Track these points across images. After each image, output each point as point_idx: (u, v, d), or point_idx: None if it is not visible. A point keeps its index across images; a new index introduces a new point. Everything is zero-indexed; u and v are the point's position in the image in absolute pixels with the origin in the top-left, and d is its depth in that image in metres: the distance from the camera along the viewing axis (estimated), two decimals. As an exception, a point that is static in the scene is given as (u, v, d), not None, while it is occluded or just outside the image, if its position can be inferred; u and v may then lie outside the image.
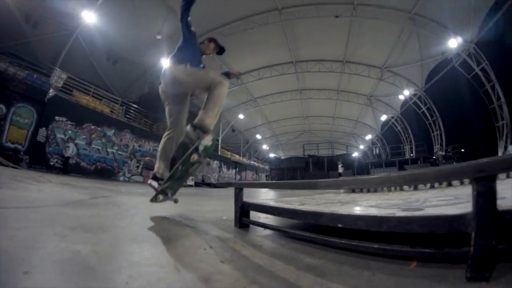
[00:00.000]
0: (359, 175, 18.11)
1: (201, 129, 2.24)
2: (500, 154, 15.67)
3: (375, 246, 1.04)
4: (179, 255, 1.23)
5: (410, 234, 1.00)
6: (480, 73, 15.87)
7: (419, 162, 19.50)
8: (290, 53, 19.84)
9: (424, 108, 21.69)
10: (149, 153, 15.70)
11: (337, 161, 23.08)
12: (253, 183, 10.61)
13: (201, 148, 2.22)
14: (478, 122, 20.31)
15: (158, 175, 2.40)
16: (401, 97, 22.62)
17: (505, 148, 15.70)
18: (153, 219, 2.11)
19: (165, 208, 2.52)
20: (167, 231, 1.71)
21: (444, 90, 19.88)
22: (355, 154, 27.30)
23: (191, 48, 2.53)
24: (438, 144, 21.12)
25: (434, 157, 20.24)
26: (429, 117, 21.67)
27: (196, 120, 2.29)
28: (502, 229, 0.76)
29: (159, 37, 15.16)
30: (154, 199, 2.30)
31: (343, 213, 1.30)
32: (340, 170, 21.12)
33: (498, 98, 15.71)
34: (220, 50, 2.83)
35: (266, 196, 6.28)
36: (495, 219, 0.76)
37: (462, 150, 27.88)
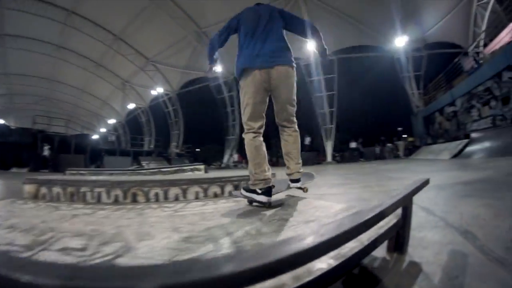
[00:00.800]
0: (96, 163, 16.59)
1: None
2: (225, 159, 22.11)
3: None
4: None
5: None
6: (227, 98, 21.34)
7: (153, 155, 20.85)
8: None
9: (171, 108, 24.25)
10: None
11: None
12: None
13: None
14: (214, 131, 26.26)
15: None
16: (154, 92, 23.82)
17: (230, 155, 21.93)
18: None
19: None
20: None
21: (194, 100, 23.86)
22: (96, 137, 24.22)
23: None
24: (175, 142, 24.22)
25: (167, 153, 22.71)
26: (173, 117, 24.43)
27: None
28: None
29: None
30: None
31: None
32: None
33: (234, 120, 21.62)
34: None
35: None
36: None
37: (198, 149, 34.90)
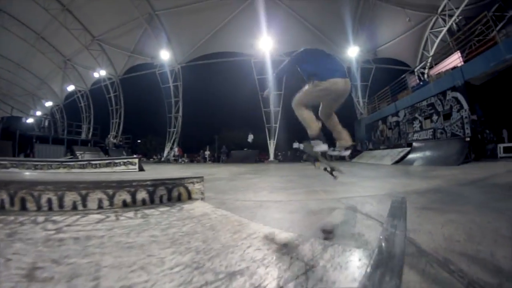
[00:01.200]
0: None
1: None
2: (165, 152, 20.88)
3: None
4: None
5: None
6: (172, 87, 20.17)
7: (89, 144, 18.92)
8: None
9: (112, 94, 22.20)
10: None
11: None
12: None
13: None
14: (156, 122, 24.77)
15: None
16: (96, 75, 21.57)
17: (171, 148, 20.89)
18: None
19: None
20: None
21: (137, 87, 22.11)
22: (30, 121, 21.08)
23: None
24: (114, 131, 22.19)
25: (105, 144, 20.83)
26: (114, 104, 22.38)
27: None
28: None
29: None
30: None
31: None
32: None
33: (177, 111, 20.61)
34: None
35: None
36: None
37: (139, 140, 32.49)
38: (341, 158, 4.04)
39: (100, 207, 1.79)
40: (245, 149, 20.94)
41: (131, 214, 1.68)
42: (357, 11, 15.84)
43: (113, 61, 20.83)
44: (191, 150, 26.74)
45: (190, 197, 2.19)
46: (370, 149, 16.17)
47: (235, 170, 9.01)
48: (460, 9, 14.54)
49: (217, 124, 39.01)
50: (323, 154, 2.64)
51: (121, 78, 21.86)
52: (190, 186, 2.22)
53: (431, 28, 16.95)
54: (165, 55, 18.44)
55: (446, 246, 1.17)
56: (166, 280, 0.83)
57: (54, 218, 1.59)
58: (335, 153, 2.58)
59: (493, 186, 3.40)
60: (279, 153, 20.96)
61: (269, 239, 1.18)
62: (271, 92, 13.42)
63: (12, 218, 1.59)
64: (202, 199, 2.25)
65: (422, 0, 15.27)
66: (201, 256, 1.01)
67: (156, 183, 2.00)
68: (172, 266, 0.93)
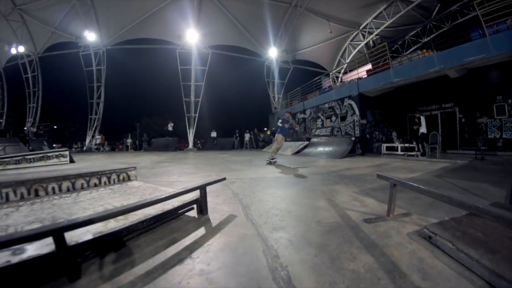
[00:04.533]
0: None
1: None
2: (87, 141, 20.69)
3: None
4: None
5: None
6: (95, 71, 20.11)
7: (8, 135, 17.88)
8: None
9: (30, 74, 20.95)
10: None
11: None
12: None
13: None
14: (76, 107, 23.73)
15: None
16: (14, 51, 19.69)
17: (92, 136, 20.86)
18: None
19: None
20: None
21: (58, 69, 20.77)
22: None
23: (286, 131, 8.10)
24: (31, 118, 21.08)
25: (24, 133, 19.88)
26: (31, 86, 21.14)
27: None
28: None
29: None
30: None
31: None
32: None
33: (99, 97, 20.63)
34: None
35: None
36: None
37: (55, 127, 30.00)
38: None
39: (82, 188, 3.44)
40: (166, 137, 22.31)
41: (102, 189, 3.44)
42: (284, 17, 18.10)
43: (34, 36, 19.75)
44: (113, 138, 27.14)
45: (129, 179, 3.97)
46: (280, 140, 19.41)
47: (155, 159, 10.91)
48: (379, 30, 18.09)
49: (138, 111, 38.54)
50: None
51: (40, 57, 20.78)
52: (129, 172, 3.99)
53: (351, 40, 20.47)
54: (91, 36, 18.33)
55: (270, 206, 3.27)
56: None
57: (64, 195, 3.26)
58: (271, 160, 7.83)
59: (336, 175, 5.18)
60: (198, 141, 22.67)
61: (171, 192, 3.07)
62: None
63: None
64: (136, 179, 4.08)
65: (347, 16, 18.15)
66: (140, 198, 2.92)
67: (111, 172, 3.73)
68: (125, 203, 2.85)
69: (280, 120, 9.08)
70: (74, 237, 1.65)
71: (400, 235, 2.05)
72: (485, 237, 1.75)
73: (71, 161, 9.75)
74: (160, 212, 2.26)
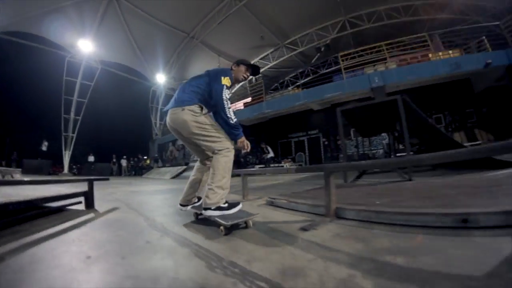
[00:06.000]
0: None
1: None
2: None
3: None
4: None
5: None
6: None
7: None
8: None
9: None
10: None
11: None
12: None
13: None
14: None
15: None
16: None
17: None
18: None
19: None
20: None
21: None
22: None
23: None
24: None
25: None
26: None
27: None
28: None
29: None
30: None
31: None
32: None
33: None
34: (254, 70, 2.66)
35: None
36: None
37: None
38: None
39: None
40: (38, 158, 18.32)
41: None
42: (180, 45, 19.41)
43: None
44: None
45: None
46: (159, 167, 20.18)
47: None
48: (263, 69, 21.01)
49: (9, 124, 31.15)
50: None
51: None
52: None
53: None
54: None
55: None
56: None
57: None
58: None
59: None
60: (74, 166, 20.39)
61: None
62: None
63: None
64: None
65: (237, 54, 20.00)
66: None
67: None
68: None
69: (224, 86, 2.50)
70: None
71: (254, 206, 3.15)
72: (312, 196, 3.01)
73: None
74: (50, 195, 2.83)
